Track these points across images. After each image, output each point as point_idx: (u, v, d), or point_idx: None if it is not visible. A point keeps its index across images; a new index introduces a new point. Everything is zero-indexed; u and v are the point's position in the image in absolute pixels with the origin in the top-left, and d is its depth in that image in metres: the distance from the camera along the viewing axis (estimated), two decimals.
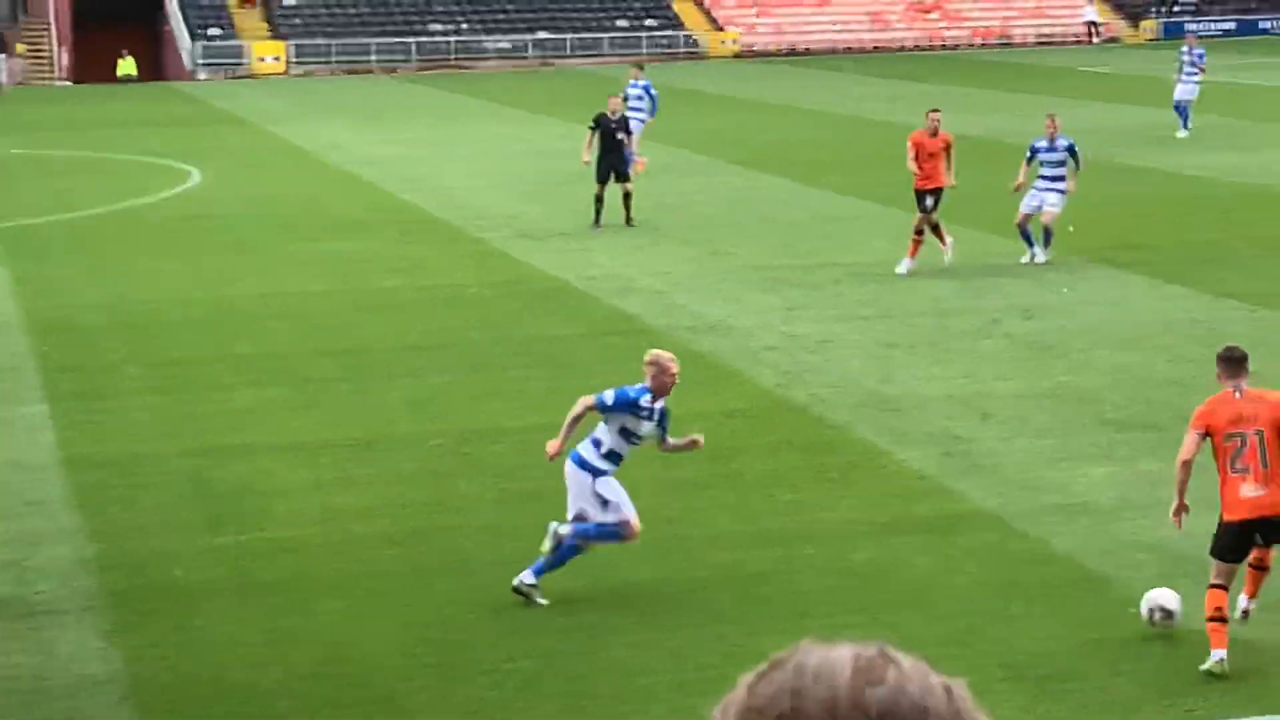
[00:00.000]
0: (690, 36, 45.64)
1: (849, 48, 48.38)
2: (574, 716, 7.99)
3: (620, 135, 20.60)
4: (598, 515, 8.91)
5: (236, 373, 14.32)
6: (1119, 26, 52.33)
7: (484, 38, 43.25)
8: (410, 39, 44.06)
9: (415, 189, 24.69)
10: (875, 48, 49.24)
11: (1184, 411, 11.62)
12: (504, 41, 43.51)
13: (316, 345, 15.51)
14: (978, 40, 51.70)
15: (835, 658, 0.93)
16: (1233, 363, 8.50)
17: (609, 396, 8.99)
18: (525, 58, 43.75)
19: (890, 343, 15.06)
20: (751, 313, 16.39)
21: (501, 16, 44.87)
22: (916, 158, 17.81)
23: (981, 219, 19.59)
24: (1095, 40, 51.31)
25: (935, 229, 17.78)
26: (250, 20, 41.80)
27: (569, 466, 9.02)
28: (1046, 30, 51.60)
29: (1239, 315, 15.27)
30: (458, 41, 43.96)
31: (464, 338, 15.73)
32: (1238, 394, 8.30)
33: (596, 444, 8.96)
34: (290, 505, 10.89)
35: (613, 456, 8.94)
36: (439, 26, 43.99)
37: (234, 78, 42.51)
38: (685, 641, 8.44)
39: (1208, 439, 8.29)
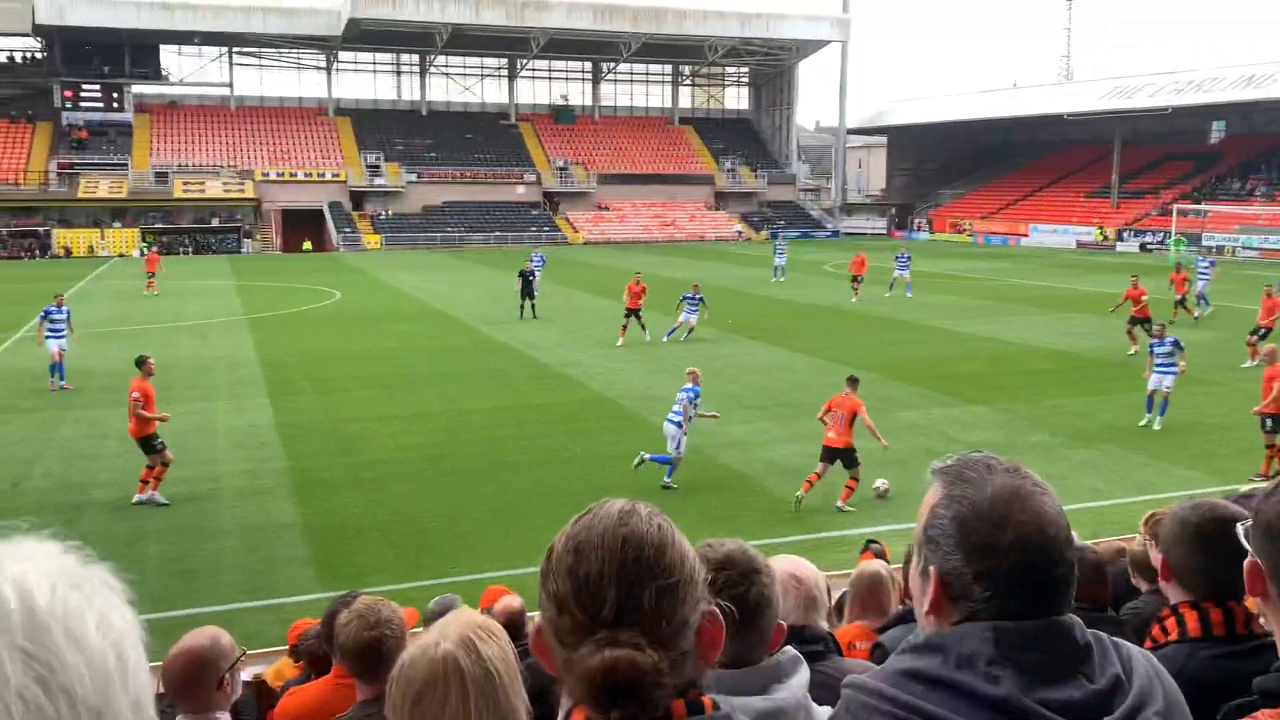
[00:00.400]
0: (564, 234, 73.14)
1: (637, 240, 73.05)
2: (519, 546, 13.20)
3: (529, 277, 31.51)
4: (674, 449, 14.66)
5: (354, 383, 22.50)
6: (750, 233, 76.77)
7: (472, 234, 72.06)
8: (436, 234, 71.32)
9: (439, 301, 37.80)
10: (652, 240, 73.65)
11: (778, 399, 19.90)
12: (482, 237, 71.74)
13: (392, 371, 23.85)
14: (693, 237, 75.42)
15: (611, 509, 1.39)
16: (850, 380, 14.24)
17: (691, 395, 14.87)
18: (490, 245, 69.96)
19: (650, 371, 23.63)
20: (590, 357, 25.40)
21: (482, 228, 72.68)
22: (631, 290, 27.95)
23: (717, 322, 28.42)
24: (740, 238, 73.55)
25: (633, 316, 27.52)
26: (365, 225, 71.41)
27: (668, 426, 14.82)
28: (724, 235, 72.86)
29: (798, 359, 24.21)
30: (459, 236, 71.50)
31: (458, 367, 24.28)
32: (846, 393, 13.90)
33: (683, 414, 14.73)
34: (379, 443, 17.52)
35: (689, 419, 14.89)
36: (452, 230, 72.35)
37: (356, 250, 67.00)
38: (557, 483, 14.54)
39: (829, 411, 13.83)
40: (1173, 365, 18.06)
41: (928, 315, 32.22)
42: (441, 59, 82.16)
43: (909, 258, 38.27)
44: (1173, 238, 56.04)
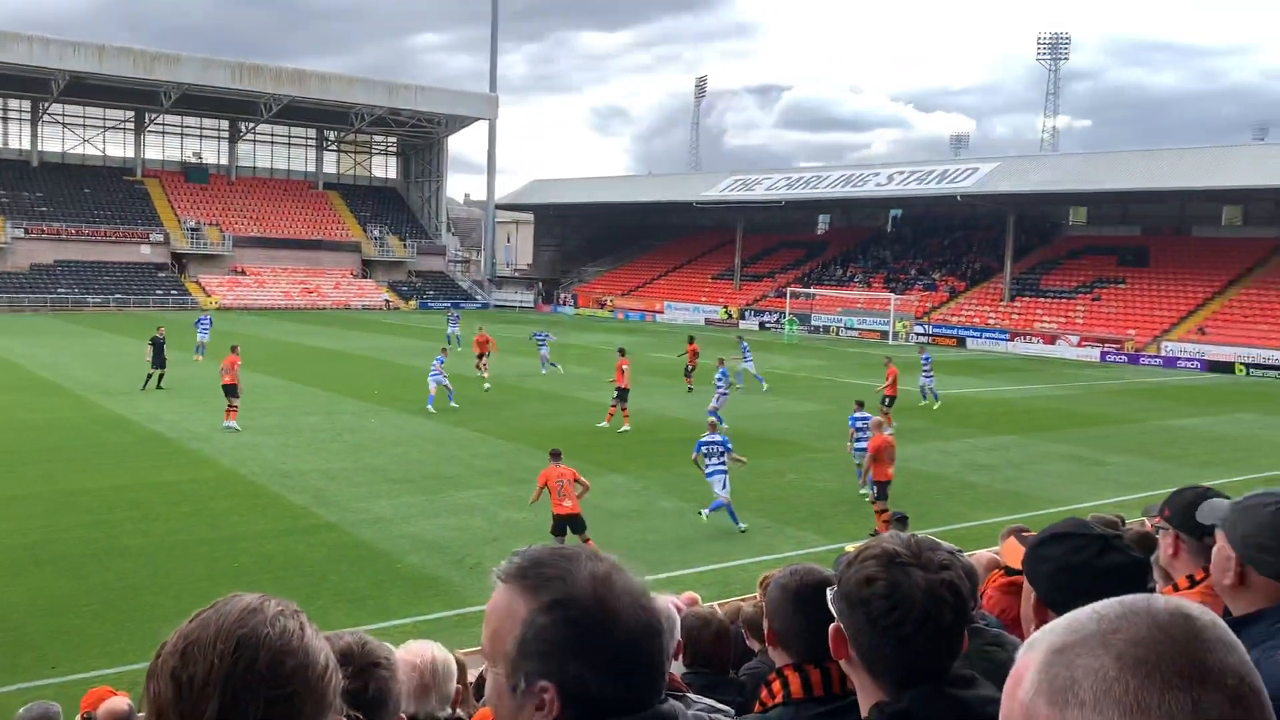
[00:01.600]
0: (194, 298, 69.55)
1: (277, 306, 69.72)
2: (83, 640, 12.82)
3: (161, 345, 29.30)
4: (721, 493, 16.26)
5: None
6: (399, 302, 76.32)
7: (89, 296, 66.17)
8: (46, 295, 64.94)
9: (46, 369, 34.38)
10: (294, 307, 69.83)
11: (425, 472, 19.63)
12: (100, 300, 66.20)
13: None
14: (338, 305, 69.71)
15: (235, 606, 1.27)
16: (555, 454, 14.35)
17: (726, 444, 16.71)
18: (110, 308, 65.05)
19: (286, 445, 22.32)
20: (220, 432, 23.43)
21: (101, 290, 67.19)
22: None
23: (346, 389, 27.22)
24: (388, 307, 71.92)
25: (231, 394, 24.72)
26: None
27: (716, 479, 16.37)
28: (371, 304, 71.24)
29: (446, 431, 24.03)
30: (74, 298, 65.42)
31: (66, 442, 21.79)
32: (556, 466, 14.13)
33: (720, 460, 16.40)
34: None
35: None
36: (65, 291, 66.03)
37: None
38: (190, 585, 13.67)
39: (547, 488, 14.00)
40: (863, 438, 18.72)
41: (572, 387, 33.11)
42: (58, 107, 75.44)
43: (546, 337, 38.63)
44: (787, 318, 61.44)
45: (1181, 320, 53.75)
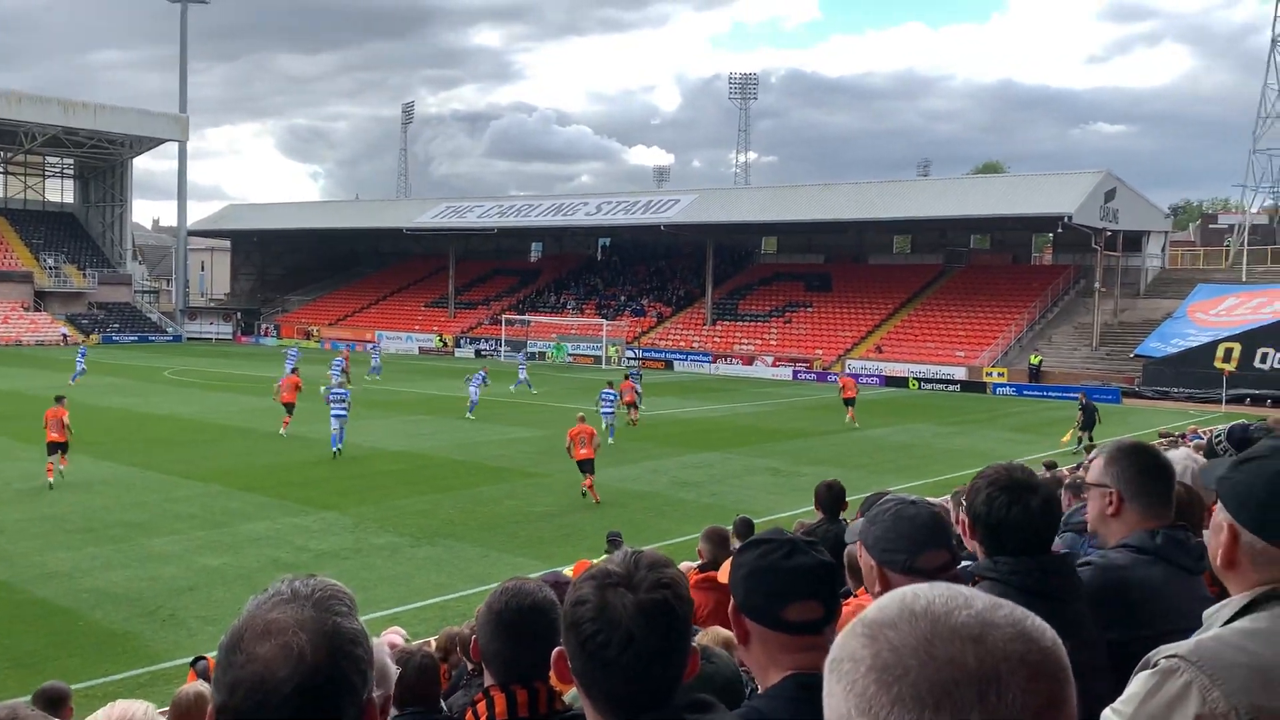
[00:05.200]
0: None
1: None
2: None
3: None
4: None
5: None
6: (79, 336, 65.17)
7: None
8: None
9: None
10: None
11: (109, 520, 18.05)
12: None
13: None
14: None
15: None
16: (59, 399, 14.63)
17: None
18: None
19: None
20: None
21: None
22: None
23: (17, 433, 24.40)
24: (66, 342, 62.07)
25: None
26: None
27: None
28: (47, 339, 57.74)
29: (135, 474, 22.31)
30: None
31: None
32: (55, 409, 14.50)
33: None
34: None
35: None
36: None
37: None
38: None
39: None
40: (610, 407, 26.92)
41: (271, 422, 31.56)
42: None
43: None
44: (556, 342, 62.41)
45: (862, 340, 58.34)
